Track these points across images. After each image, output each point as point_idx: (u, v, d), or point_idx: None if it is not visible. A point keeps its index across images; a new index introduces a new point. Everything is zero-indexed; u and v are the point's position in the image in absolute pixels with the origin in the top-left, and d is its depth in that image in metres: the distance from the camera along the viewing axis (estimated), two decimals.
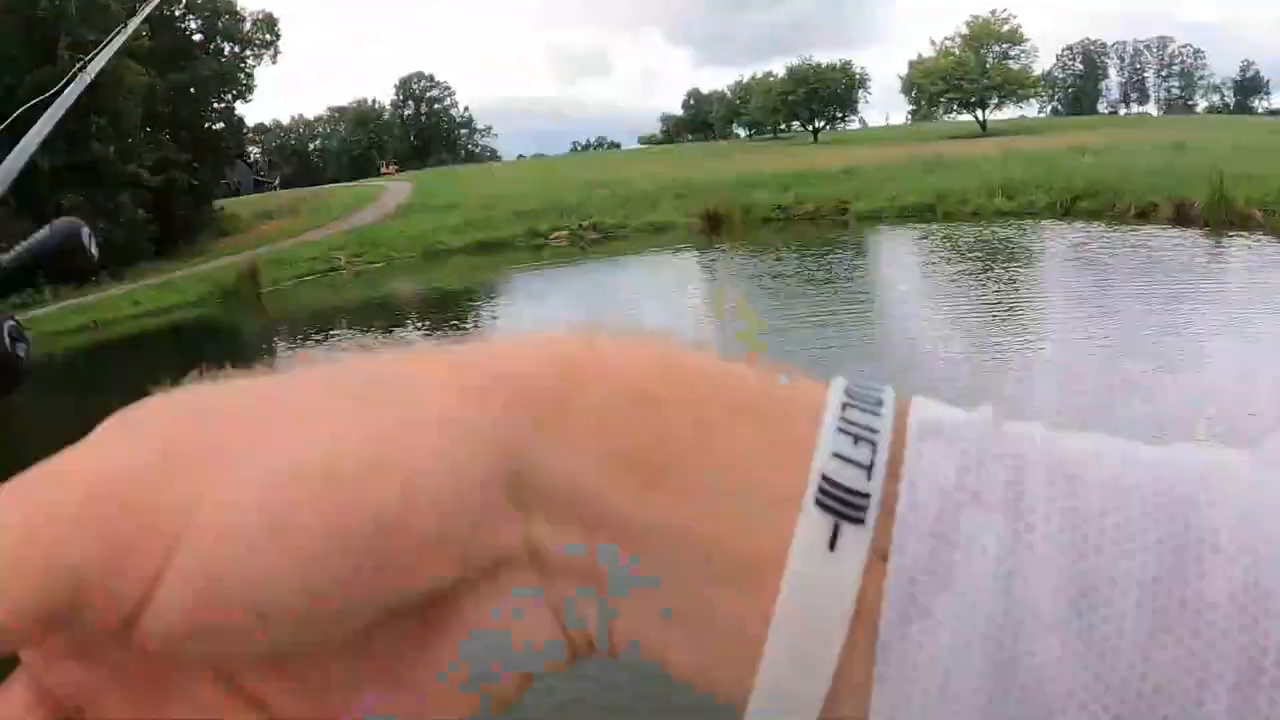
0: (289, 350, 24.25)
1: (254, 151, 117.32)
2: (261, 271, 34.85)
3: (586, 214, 42.55)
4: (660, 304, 25.05)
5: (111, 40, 2.75)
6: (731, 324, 20.56)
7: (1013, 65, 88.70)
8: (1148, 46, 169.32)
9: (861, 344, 17.30)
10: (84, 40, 37.53)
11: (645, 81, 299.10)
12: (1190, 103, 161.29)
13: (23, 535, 0.26)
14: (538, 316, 24.87)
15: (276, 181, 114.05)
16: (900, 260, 28.50)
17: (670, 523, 0.25)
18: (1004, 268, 23.30)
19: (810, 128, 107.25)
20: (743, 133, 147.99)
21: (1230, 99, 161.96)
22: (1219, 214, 24.36)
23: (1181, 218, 25.60)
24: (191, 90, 50.74)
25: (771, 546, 0.24)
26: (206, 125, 53.89)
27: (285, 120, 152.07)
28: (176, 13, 51.96)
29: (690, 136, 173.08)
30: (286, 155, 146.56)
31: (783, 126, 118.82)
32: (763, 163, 57.17)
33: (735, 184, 45.19)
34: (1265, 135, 47.22)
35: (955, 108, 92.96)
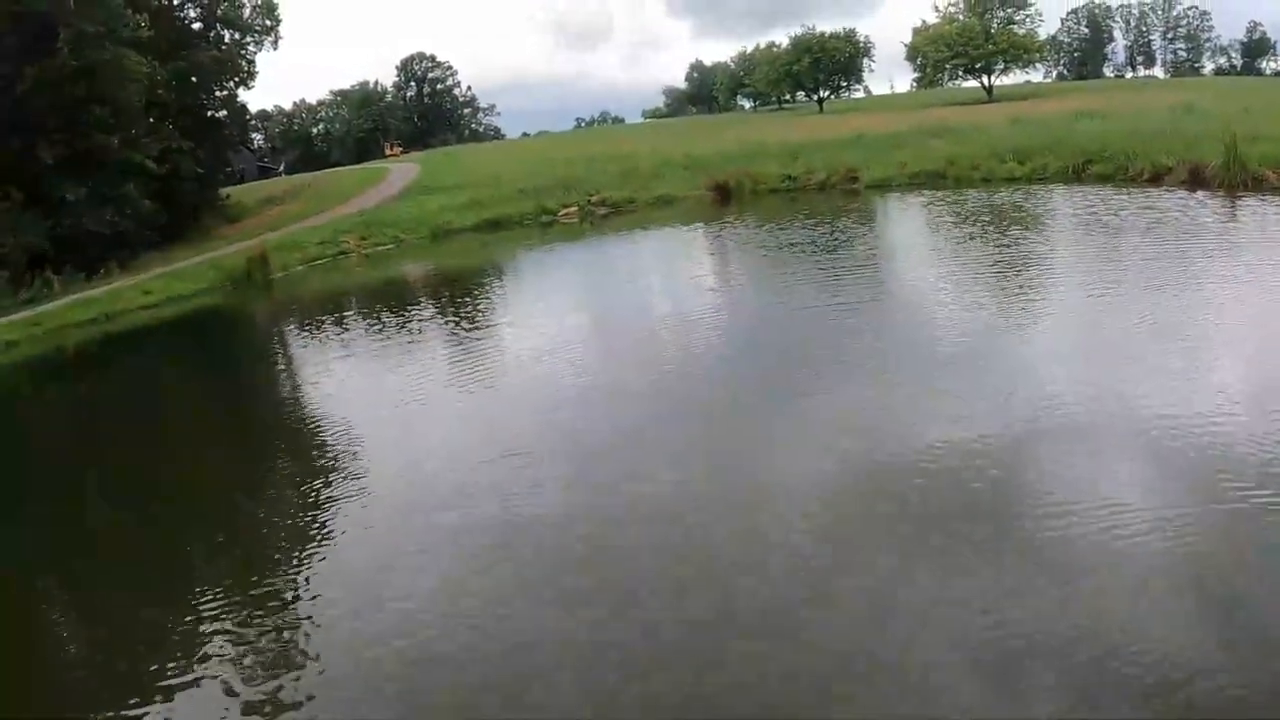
0: (300, 335, 24.31)
1: (258, 138, 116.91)
2: (270, 257, 34.77)
3: (594, 189, 42.41)
4: (669, 277, 25.02)
5: None
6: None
7: (1018, 30, 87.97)
8: (1153, 9, 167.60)
9: (874, 306, 17.35)
10: (84, 32, 37.38)
11: (647, 55, 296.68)
12: (1197, 65, 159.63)
13: None
14: (549, 294, 24.87)
15: (281, 167, 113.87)
16: (911, 226, 28.36)
17: None
18: (1016, 231, 23.11)
19: (815, 97, 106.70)
20: (747, 104, 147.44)
21: (1237, 61, 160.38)
22: (1233, 176, 24.11)
23: (1195, 180, 25.37)
24: (193, 79, 50.57)
25: None
26: (209, 113, 53.88)
27: (288, 105, 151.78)
28: (175, 1, 51.76)
29: (694, 109, 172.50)
30: (290, 140, 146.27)
31: (787, 97, 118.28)
32: (769, 133, 56.94)
33: (743, 155, 45.06)
34: (1275, 96, 46.75)
35: (960, 74, 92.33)
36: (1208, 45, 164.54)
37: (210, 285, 33.00)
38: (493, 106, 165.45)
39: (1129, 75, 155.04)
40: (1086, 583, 7.18)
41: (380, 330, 22.20)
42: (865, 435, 10.67)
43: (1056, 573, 7.36)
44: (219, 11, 53.08)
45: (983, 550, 7.89)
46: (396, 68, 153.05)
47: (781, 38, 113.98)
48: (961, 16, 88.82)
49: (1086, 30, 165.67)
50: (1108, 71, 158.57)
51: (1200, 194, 24.18)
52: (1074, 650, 6.39)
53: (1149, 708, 5.81)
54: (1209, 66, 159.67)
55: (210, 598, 9.09)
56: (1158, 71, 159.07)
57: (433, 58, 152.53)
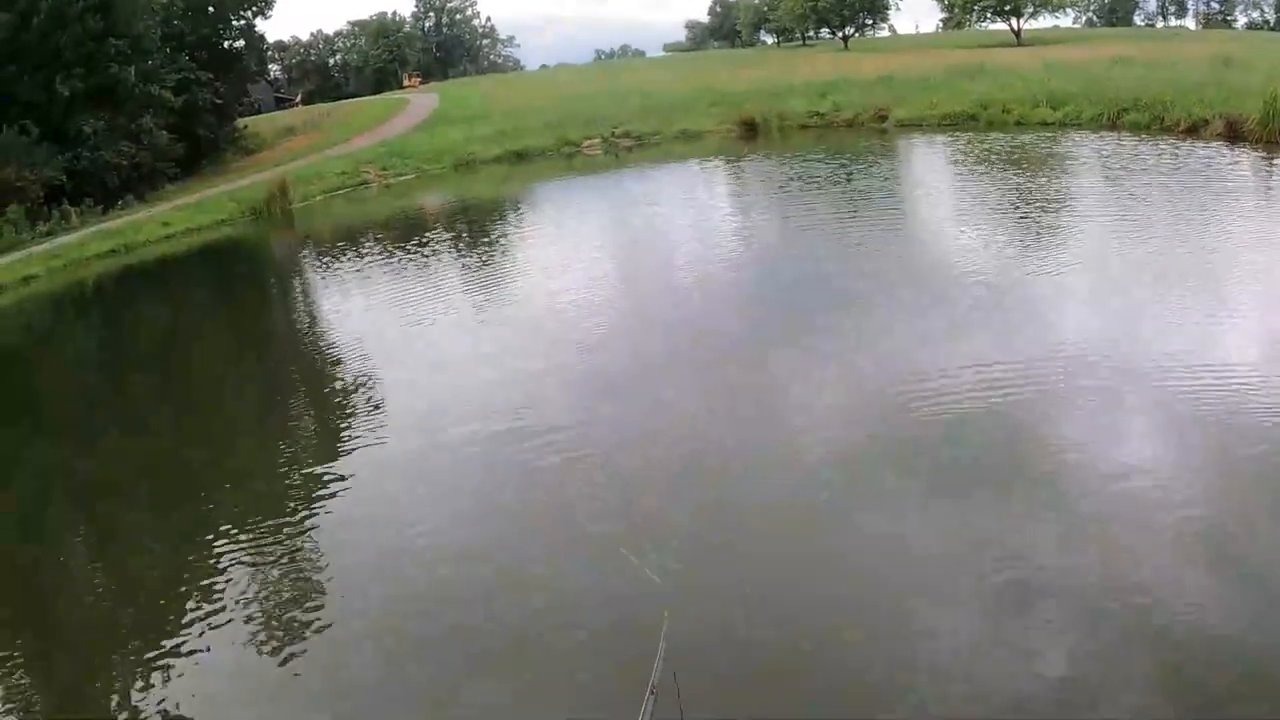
0: (320, 265, 24.09)
1: (274, 69, 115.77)
2: (290, 188, 34.48)
3: (618, 122, 41.90)
4: (692, 210, 24.92)
5: None
6: None
7: None
8: None
9: (890, 242, 17.72)
10: None
11: None
12: (1229, 18, 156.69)
13: None
14: (573, 225, 24.79)
15: (298, 98, 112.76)
16: (936, 165, 28.13)
17: None
18: (1047, 176, 22.74)
19: (840, 35, 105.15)
20: (770, 39, 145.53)
21: (1270, 15, 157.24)
22: (1273, 131, 23.43)
23: (1233, 133, 24.67)
24: (210, 9, 49.84)
25: None
26: (227, 44, 53.14)
27: (305, 36, 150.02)
28: None
29: (716, 44, 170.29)
30: (307, 71, 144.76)
31: (811, 34, 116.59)
32: (794, 70, 56.02)
33: (769, 91, 44.35)
34: None
35: (989, 16, 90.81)
36: None
37: (229, 216, 32.78)
38: (512, 38, 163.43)
39: (1159, 24, 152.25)
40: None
41: (401, 260, 22.02)
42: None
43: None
44: None
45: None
46: None
47: None
48: None
49: None
50: (1138, 20, 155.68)
51: (1241, 149, 23.58)
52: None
53: None
54: (1241, 19, 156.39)
55: (232, 530, 9.11)
56: (1188, 22, 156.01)
57: None
